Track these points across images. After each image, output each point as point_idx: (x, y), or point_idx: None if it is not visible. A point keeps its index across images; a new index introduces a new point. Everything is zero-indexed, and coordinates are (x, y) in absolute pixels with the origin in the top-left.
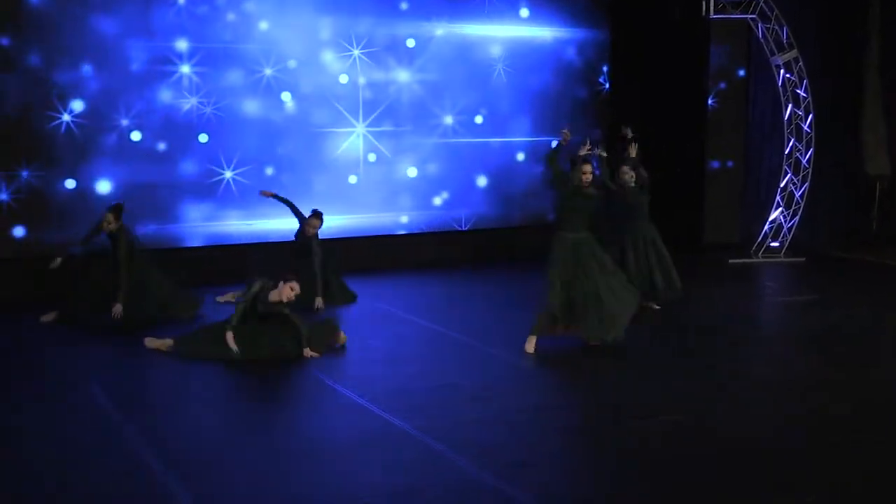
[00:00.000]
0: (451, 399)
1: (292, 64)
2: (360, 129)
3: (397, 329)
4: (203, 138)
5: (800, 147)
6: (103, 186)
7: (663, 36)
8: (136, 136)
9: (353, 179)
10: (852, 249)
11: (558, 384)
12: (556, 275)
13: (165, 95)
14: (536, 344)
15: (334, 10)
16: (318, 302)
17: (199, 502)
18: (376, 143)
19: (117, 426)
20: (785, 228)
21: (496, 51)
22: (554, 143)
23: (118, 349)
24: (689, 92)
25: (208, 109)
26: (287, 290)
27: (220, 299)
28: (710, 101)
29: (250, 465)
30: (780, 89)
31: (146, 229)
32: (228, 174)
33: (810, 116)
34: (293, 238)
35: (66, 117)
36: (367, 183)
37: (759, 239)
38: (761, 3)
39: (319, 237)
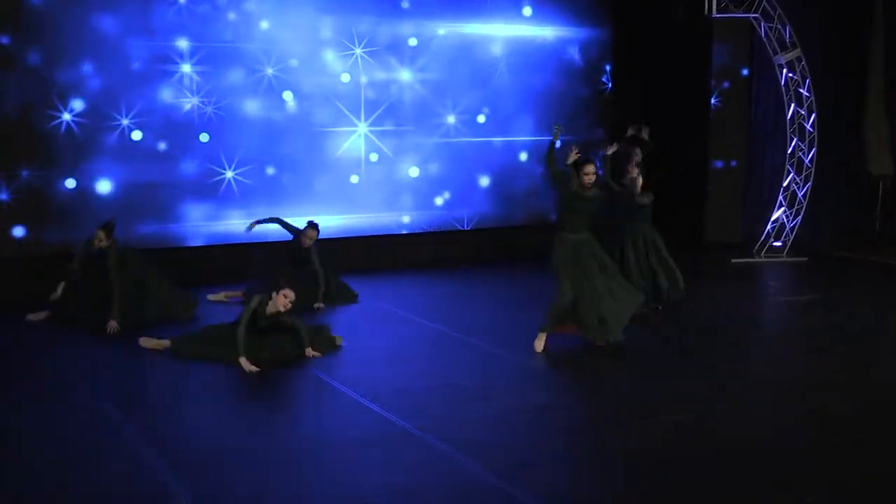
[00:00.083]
0: (453, 399)
1: (293, 63)
2: (362, 128)
3: (399, 329)
4: (204, 138)
5: (802, 146)
6: (103, 186)
7: (666, 35)
8: (136, 135)
9: (354, 179)
10: (855, 249)
11: (560, 384)
12: (562, 274)
13: (166, 95)
14: (546, 342)
15: (336, 9)
16: (319, 302)
17: (200, 502)
18: (378, 142)
19: (117, 426)
20: (787, 228)
21: (498, 50)
22: (559, 143)
23: (118, 349)
24: (692, 91)
25: (209, 109)
26: (281, 300)
27: (212, 298)
28: (712, 101)
29: (250, 465)
30: (783, 88)
31: (147, 229)
32: (229, 174)
33: (813, 116)
34: (289, 249)
35: (66, 116)
36: (369, 183)
37: (762, 238)
38: (764, 2)
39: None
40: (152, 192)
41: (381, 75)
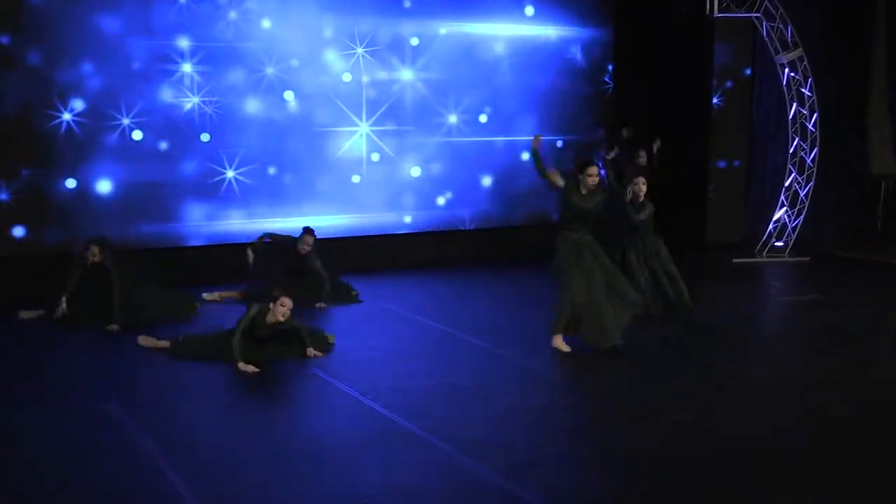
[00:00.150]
0: (454, 398)
1: (295, 63)
2: (364, 128)
3: (399, 328)
4: (205, 137)
5: (804, 146)
6: (104, 186)
7: (668, 35)
8: (137, 135)
9: (356, 179)
10: (857, 249)
11: (560, 384)
12: (566, 276)
13: (167, 94)
14: (563, 340)
15: (337, 8)
16: (321, 302)
17: (200, 502)
18: (379, 142)
19: (117, 426)
20: (789, 228)
21: (500, 50)
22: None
23: (118, 349)
24: (694, 91)
25: (210, 108)
26: (280, 309)
27: (207, 297)
28: (714, 100)
29: (251, 465)
30: (785, 88)
31: (147, 229)
32: (230, 174)
33: (815, 115)
34: (289, 257)
35: (66, 116)
36: (371, 182)
37: (764, 238)
38: (766, 1)
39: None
40: (153, 192)
41: (382, 75)
